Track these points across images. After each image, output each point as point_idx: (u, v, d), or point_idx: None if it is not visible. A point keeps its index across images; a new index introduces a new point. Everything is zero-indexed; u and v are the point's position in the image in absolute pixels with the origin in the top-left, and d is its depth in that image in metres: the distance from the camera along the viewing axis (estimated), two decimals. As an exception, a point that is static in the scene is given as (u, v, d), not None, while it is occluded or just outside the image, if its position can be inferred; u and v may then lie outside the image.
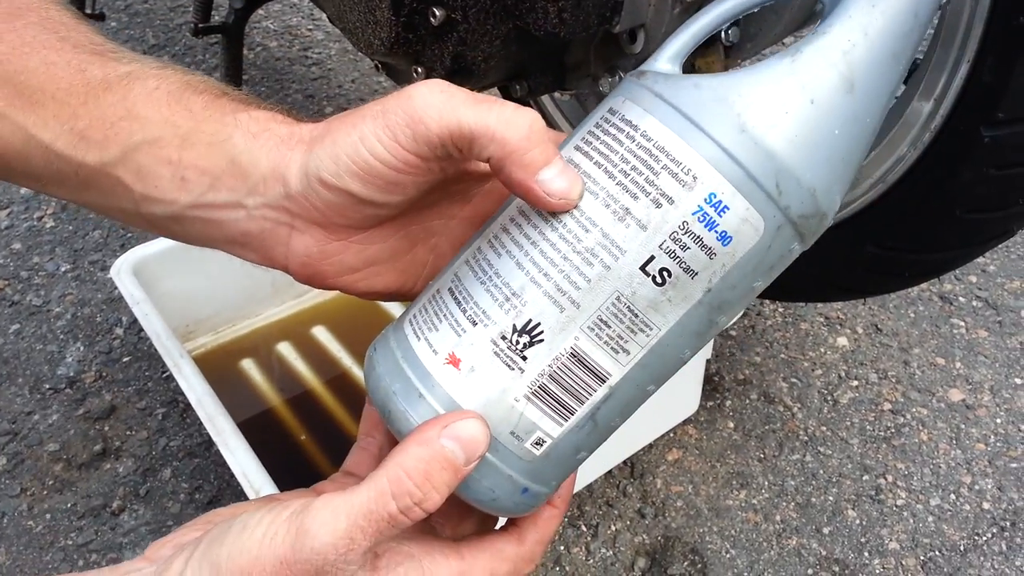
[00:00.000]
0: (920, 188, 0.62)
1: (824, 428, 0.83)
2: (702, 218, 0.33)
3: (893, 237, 0.65)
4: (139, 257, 0.85)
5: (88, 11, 1.20)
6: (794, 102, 0.34)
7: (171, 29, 1.63)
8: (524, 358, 0.34)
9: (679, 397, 0.81)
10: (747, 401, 0.86)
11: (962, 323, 0.95)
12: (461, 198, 0.40)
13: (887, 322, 0.95)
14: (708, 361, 0.80)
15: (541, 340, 0.34)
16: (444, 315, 0.36)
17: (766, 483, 0.79)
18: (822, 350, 0.92)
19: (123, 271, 0.83)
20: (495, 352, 0.34)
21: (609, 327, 0.34)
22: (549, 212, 0.35)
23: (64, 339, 1.00)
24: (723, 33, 0.64)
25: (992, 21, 0.56)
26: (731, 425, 0.84)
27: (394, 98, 0.34)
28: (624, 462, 0.80)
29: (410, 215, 0.39)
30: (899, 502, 0.77)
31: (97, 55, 0.38)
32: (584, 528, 0.75)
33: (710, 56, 0.66)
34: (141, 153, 0.36)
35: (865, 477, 0.79)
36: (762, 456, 0.81)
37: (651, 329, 0.34)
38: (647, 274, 0.33)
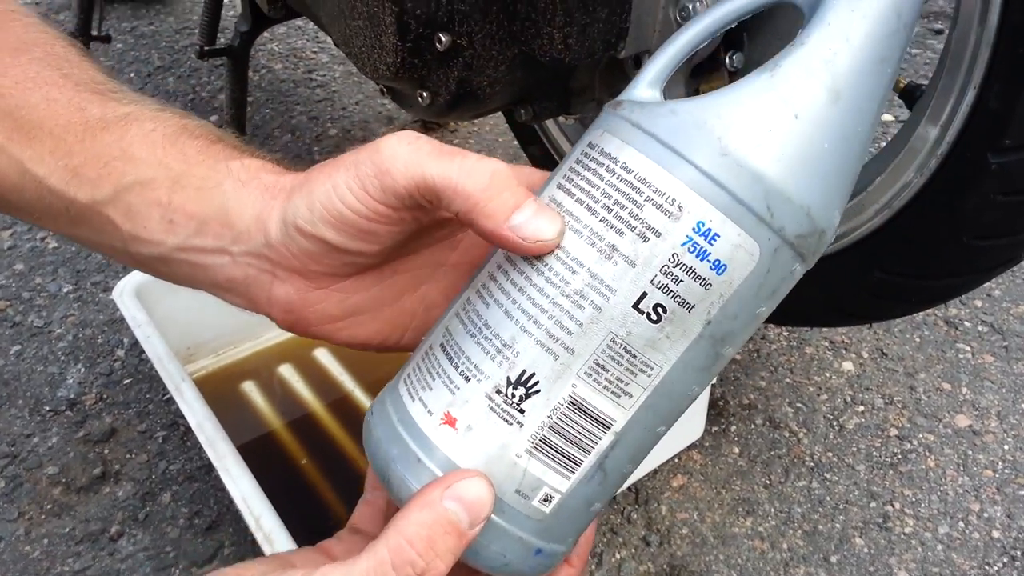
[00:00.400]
0: (927, 214, 0.62)
1: (830, 454, 0.83)
2: (692, 248, 0.32)
3: (900, 263, 0.65)
4: (141, 279, 0.84)
5: (95, 33, 1.20)
6: (777, 119, 0.32)
7: (176, 51, 1.64)
8: (522, 411, 0.33)
9: (684, 422, 0.80)
10: (752, 426, 0.86)
11: (968, 348, 0.94)
12: (447, 245, 0.40)
13: (892, 347, 0.94)
14: (713, 385, 0.79)
15: (537, 391, 0.33)
16: (437, 373, 0.34)
17: (772, 510, 0.78)
18: (827, 375, 0.91)
19: (125, 293, 0.83)
20: (491, 407, 0.33)
21: (607, 371, 0.33)
22: (533, 257, 0.33)
23: (65, 360, 1.00)
24: (727, 59, 0.64)
25: (998, 47, 0.56)
26: (736, 450, 0.83)
27: (366, 149, 0.34)
28: (628, 488, 0.79)
29: (395, 264, 0.39)
30: (907, 530, 0.76)
31: (98, 94, 0.38)
32: (588, 556, 0.74)
33: (714, 82, 0.66)
34: (132, 193, 0.36)
35: (872, 504, 0.78)
36: (768, 482, 0.80)
37: (652, 369, 0.33)
38: (641, 312, 0.32)
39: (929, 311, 0.98)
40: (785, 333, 0.96)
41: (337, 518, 0.74)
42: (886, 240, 0.65)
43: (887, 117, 1.33)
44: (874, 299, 0.67)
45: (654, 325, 0.32)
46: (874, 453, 0.83)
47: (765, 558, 0.74)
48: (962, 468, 0.81)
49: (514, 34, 0.58)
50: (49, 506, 0.83)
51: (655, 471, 0.80)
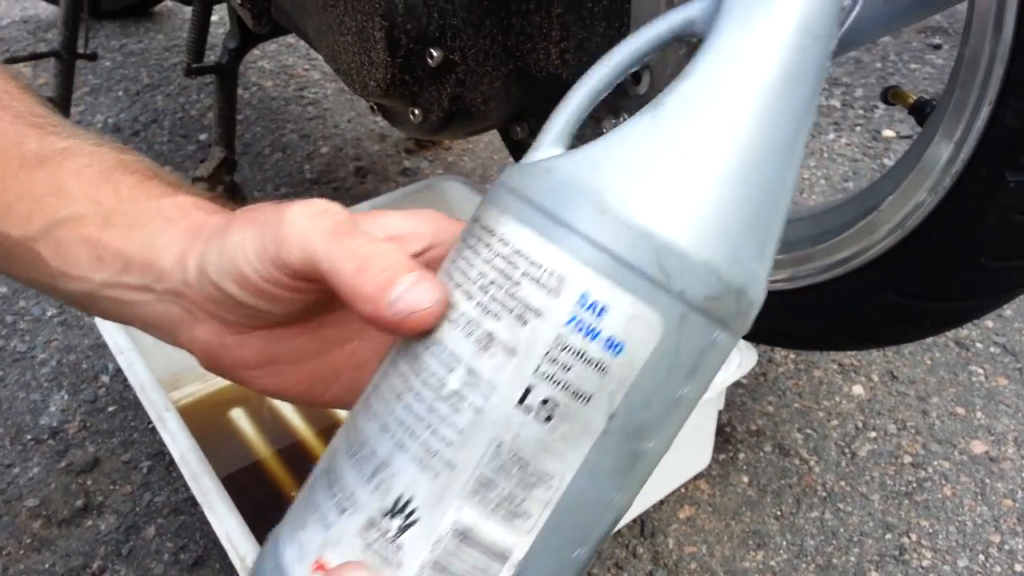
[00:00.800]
0: (941, 234, 0.59)
1: (843, 483, 0.79)
2: (579, 327, 0.27)
3: (914, 285, 0.62)
4: None
5: (80, 51, 1.18)
6: (662, 163, 0.27)
7: (165, 68, 1.62)
8: (399, 548, 0.27)
9: (690, 450, 0.77)
10: (761, 454, 0.82)
11: (981, 370, 0.91)
12: None
13: (903, 369, 0.91)
14: (720, 411, 0.76)
15: (415, 520, 0.27)
16: (314, 504, 0.29)
17: (784, 543, 0.74)
18: (837, 399, 0.88)
19: None
20: (366, 546, 0.27)
21: (496, 487, 0.27)
22: (413, 356, 0.29)
23: (48, 387, 0.97)
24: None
25: (1014, 61, 0.53)
26: (745, 480, 0.80)
27: (278, 211, 0.33)
28: (633, 520, 0.76)
29: (323, 317, 0.36)
30: (924, 563, 0.73)
31: (36, 127, 0.38)
32: (591, 593, 0.71)
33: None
34: (63, 230, 0.36)
35: (888, 536, 0.75)
36: (779, 513, 0.77)
37: (551, 480, 0.27)
38: (528, 410, 0.27)
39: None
40: (792, 356, 0.93)
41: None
42: (899, 261, 0.62)
43: (888, 133, 1.31)
44: (887, 323, 0.65)
45: (545, 425, 0.27)
46: (888, 482, 0.80)
47: (776, 594, 0.70)
48: (980, 497, 0.78)
49: (509, 49, 0.56)
50: (28, 540, 0.80)
51: (661, 502, 0.77)
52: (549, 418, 0.27)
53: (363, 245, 0.31)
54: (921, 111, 0.61)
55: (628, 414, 0.28)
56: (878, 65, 1.49)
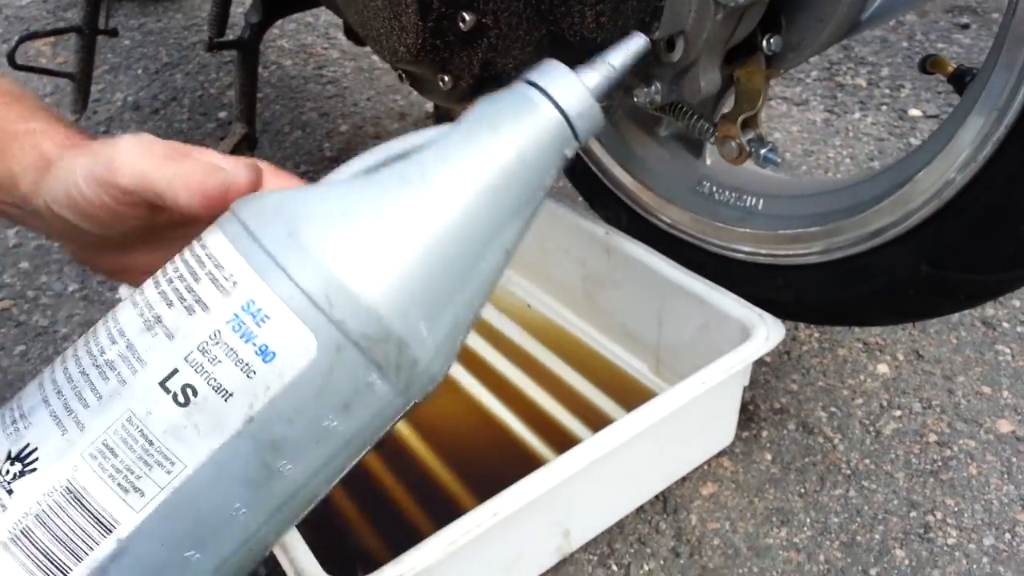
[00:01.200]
0: (979, 204, 0.58)
1: (867, 461, 0.79)
2: (238, 327, 0.29)
3: (950, 256, 0.61)
4: None
5: (101, 27, 1.18)
6: (356, 213, 0.31)
7: (184, 47, 1.61)
8: (10, 492, 0.28)
9: (714, 427, 0.77)
10: (785, 432, 0.82)
11: (1007, 350, 0.90)
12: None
13: (929, 348, 0.90)
14: (744, 389, 0.75)
15: (33, 470, 0.28)
16: None
17: (808, 520, 0.74)
18: (862, 377, 0.87)
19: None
20: None
21: (116, 455, 0.28)
22: (92, 329, 0.32)
23: (69, 361, 0.97)
24: (764, 42, 0.61)
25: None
26: (769, 457, 0.79)
27: (106, 143, 0.37)
28: (656, 496, 0.75)
29: (159, 239, 0.41)
30: (950, 541, 0.72)
31: None
32: (615, 567, 0.70)
33: (751, 67, 0.63)
34: None
35: (913, 514, 0.74)
36: (803, 491, 0.76)
37: (173, 465, 0.28)
38: (167, 391, 0.28)
39: (964, 311, 0.94)
40: (816, 334, 0.92)
41: (367, 548, 0.70)
42: (935, 232, 0.61)
43: (915, 112, 1.30)
44: (921, 295, 0.64)
45: (180, 409, 0.28)
46: (913, 460, 0.79)
47: (801, 571, 0.70)
48: (1006, 476, 0.77)
49: (542, 13, 0.55)
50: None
51: (684, 478, 0.77)
52: (185, 403, 0.28)
53: (200, 161, 0.36)
54: (961, 80, 0.60)
55: (267, 423, 0.29)
56: (904, 44, 1.47)
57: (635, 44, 0.42)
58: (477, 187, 0.33)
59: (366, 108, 1.39)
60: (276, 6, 1.06)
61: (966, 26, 1.50)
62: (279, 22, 1.65)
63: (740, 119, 0.64)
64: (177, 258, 0.32)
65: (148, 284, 0.32)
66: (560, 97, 0.35)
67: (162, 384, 0.28)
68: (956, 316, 0.94)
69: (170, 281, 0.31)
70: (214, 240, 0.31)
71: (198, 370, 0.28)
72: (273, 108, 1.42)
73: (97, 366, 0.29)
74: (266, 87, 1.48)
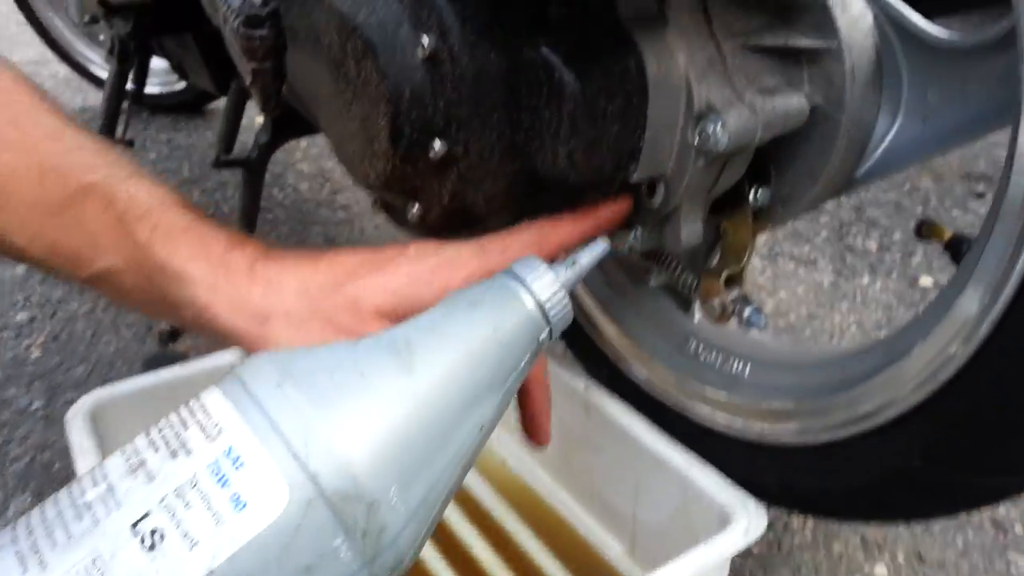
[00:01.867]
0: (978, 392, 0.52)
1: (856, 676, 0.69)
2: (215, 471, 0.29)
3: (945, 451, 0.55)
4: (99, 399, 0.72)
5: (117, 138, 1.20)
6: (343, 373, 0.33)
7: (206, 164, 1.65)
8: None
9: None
10: (766, 631, 0.73)
11: (1021, 559, 0.81)
12: None
13: (932, 551, 0.82)
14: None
15: None
16: None
17: None
18: (856, 577, 0.79)
19: (79, 415, 0.71)
20: None
21: None
22: (86, 472, 0.32)
23: (13, 487, 0.90)
24: (751, 194, 0.58)
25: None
26: (745, 659, 0.70)
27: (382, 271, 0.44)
28: None
29: None
30: None
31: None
32: None
33: (737, 219, 0.59)
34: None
35: None
36: None
37: None
38: (136, 534, 0.28)
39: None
40: (811, 525, 0.84)
41: None
42: (929, 422, 0.55)
43: (926, 281, 1.25)
44: (911, 493, 0.57)
45: (146, 554, 0.28)
46: None
47: None
48: None
49: (515, 146, 0.53)
50: None
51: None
52: (152, 548, 0.28)
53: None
54: (957, 248, 0.56)
55: None
56: (919, 209, 1.45)
57: (600, 248, 0.46)
58: (456, 359, 0.36)
59: (372, 236, 1.39)
60: (286, 128, 1.08)
61: (982, 195, 1.48)
62: (303, 145, 1.70)
63: (724, 275, 0.60)
64: (172, 412, 0.33)
65: (139, 435, 0.32)
66: (536, 288, 0.40)
67: (133, 526, 0.28)
68: (964, 514, 0.86)
69: (160, 430, 0.32)
70: (209, 394, 0.33)
71: (170, 515, 0.28)
72: (280, 230, 1.42)
73: (75, 507, 0.29)
74: (278, 208, 1.49)
